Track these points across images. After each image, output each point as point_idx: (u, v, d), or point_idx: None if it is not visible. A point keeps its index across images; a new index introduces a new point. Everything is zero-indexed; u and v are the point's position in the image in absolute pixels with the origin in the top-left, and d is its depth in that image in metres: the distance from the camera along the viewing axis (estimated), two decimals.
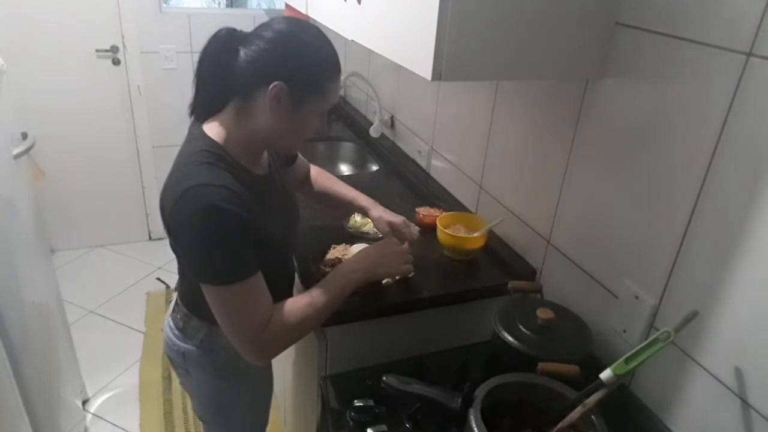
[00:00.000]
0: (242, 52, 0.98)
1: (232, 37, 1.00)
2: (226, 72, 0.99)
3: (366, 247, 1.24)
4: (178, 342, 1.22)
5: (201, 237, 0.95)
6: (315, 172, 1.47)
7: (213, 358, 1.21)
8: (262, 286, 1.02)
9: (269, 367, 1.40)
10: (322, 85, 1.01)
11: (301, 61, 0.98)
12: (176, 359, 1.26)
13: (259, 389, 1.36)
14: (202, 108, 1.07)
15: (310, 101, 1.01)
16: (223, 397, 1.28)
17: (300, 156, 1.40)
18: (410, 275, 1.28)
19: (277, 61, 0.97)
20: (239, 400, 1.31)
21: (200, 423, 1.68)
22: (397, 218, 1.35)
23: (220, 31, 1.01)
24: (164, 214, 1.00)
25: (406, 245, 1.29)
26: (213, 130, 1.03)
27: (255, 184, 1.06)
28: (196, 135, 1.04)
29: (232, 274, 0.97)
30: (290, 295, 1.28)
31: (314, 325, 1.10)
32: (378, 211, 1.38)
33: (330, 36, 1.03)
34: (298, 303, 1.06)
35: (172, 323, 1.24)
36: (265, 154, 1.17)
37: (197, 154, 0.99)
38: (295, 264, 1.37)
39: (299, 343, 1.50)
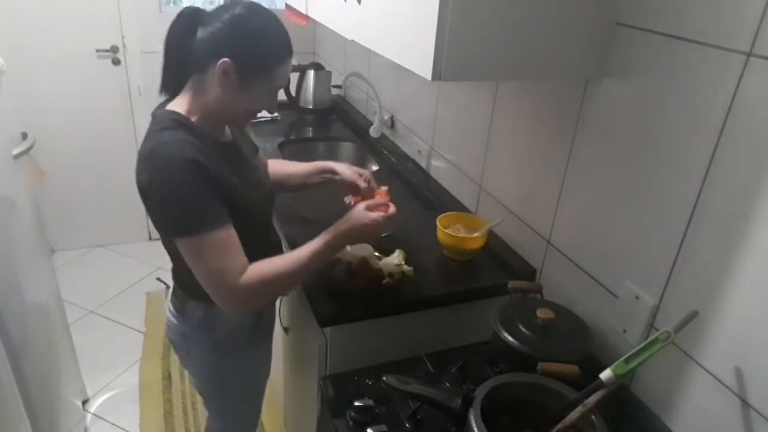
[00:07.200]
0: (200, 31, 1.05)
1: (195, 16, 1.07)
2: (186, 48, 1.07)
3: (348, 221, 1.16)
4: (179, 324, 1.27)
5: (168, 189, 1.00)
6: (270, 163, 1.47)
7: (212, 337, 1.26)
8: (235, 237, 1.04)
9: (268, 351, 1.44)
10: (268, 66, 1.08)
11: (250, 41, 1.05)
12: (178, 341, 1.31)
13: (255, 370, 1.42)
14: (170, 84, 1.13)
15: (256, 79, 1.07)
16: (222, 373, 1.34)
17: (260, 152, 1.42)
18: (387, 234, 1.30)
19: (228, 40, 1.04)
20: (237, 377, 1.36)
21: (200, 424, 1.69)
22: (362, 171, 1.41)
23: (185, 9, 1.08)
24: (137, 185, 1.05)
25: (386, 211, 1.20)
26: (175, 105, 1.10)
27: (218, 147, 1.12)
28: (157, 114, 1.10)
29: (203, 223, 1.00)
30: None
31: (291, 281, 1.13)
32: (341, 165, 1.42)
33: (330, 35, 1.04)
34: (278, 259, 1.09)
35: (171, 307, 1.29)
36: (227, 128, 1.21)
37: (158, 125, 1.06)
38: (280, 236, 1.38)
39: (299, 343, 1.51)
